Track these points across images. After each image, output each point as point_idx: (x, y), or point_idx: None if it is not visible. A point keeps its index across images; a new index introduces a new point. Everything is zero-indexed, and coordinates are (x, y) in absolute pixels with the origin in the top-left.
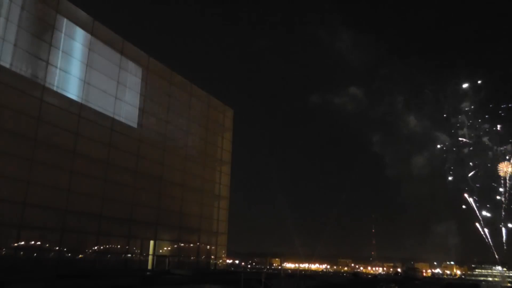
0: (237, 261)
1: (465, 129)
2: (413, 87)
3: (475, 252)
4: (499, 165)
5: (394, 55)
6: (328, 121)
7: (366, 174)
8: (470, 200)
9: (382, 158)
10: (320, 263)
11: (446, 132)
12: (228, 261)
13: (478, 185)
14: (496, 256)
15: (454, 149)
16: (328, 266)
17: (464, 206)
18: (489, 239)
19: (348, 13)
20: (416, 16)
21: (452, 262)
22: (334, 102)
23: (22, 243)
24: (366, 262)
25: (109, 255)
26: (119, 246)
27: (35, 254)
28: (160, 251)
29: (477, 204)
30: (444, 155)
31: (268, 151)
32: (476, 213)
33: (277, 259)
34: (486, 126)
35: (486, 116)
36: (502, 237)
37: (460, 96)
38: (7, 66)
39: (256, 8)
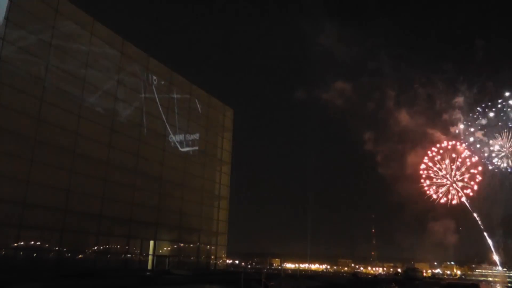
0: (237, 261)
1: (460, 125)
2: (403, 82)
3: (475, 252)
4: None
5: (382, 49)
6: (324, 120)
7: (364, 173)
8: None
9: (375, 156)
10: (320, 263)
11: (440, 129)
12: (228, 261)
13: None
14: (496, 256)
15: (450, 147)
16: (328, 266)
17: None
18: (489, 239)
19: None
20: (404, 8)
21: (452, 262)
22: (328, 100)
23: (22, 243)
24: (366, 262)
25: (109, 255)
26: (119, 246)
27: (35, 254)
28: (160, 251)
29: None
30: (439, 154)
31: (267, 151)
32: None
33: (277, 259)
34: (482, 121)
35: (486, 111)
36: (501, 235)
37: (453, 92)
38: (7, 66)
39: (251, 4)
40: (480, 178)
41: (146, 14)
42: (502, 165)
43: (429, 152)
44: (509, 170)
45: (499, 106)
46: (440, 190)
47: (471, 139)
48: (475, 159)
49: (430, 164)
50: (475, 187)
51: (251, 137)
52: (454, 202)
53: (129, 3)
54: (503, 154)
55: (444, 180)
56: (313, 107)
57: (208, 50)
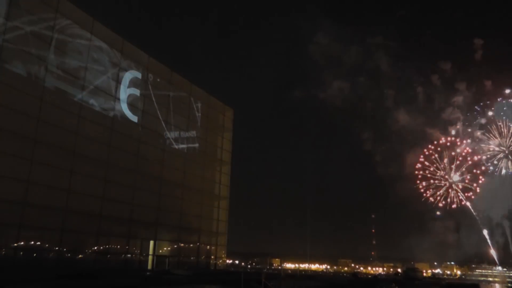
0: (237, 261)
1: (458, 124)
2: (401, 81)
3: (475, 252)
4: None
5: (381, 48)
6: (324, 119)
7: (364, 173)
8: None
9: (373, 156)
10: (320, 263)
11: (439, 128)
12: (228, 261)
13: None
14: (495, 254)
15: (448, 143)
16: (328, 266)
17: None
18: (489, 239)
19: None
20: (403, 7)
21: (452, 262)
22: (327, 99)
23: (22, 243)
24: (366, 262)
25: (109, 255)
26: (119, 246)
27: (35, 254)
28: (160, 251)
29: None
30: (437, 153)
31: (267, 151)
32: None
33: (277, 259)
34: (481, 121)
35: (485, 110)
36: (501, 235)
37: (452, 91)
38: (7, 66)
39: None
40: (482, 179)
41: (146, 14)
42: (501, 166)
43: (425, 150)
44: (509, 172)
45: (499, 105)
46: (438, 192)
47: (469, 140)
48: (476, 158)
49: (427, 163)
50: (478, 190)
51: (251, 137)
52: (453, 206)
53: (129, 3)
54: (502, 155)
55: (442, 182)
56: (312, 107)
57: (208, 50)
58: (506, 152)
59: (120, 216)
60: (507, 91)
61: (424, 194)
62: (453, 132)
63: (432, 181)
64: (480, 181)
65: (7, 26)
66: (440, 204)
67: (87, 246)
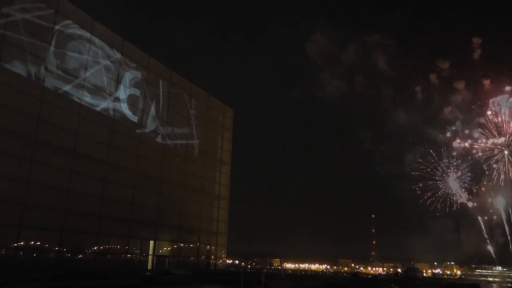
0: (237, 261)
1: (457, 123)
2: (400, 80)
3: (475, 252)
4: None
5: (379, 47)
6: (323, 119)
7: (364, 173)
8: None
9: (373, 156)
10: (320, 263)
11: (437, 128)
12: (228, 261)
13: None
14: (495, 257)
15: (446, 142)
16: (328, 266)
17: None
18: (489, 239)
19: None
20: (401, 6)
21: (452, 262)
22: (326, 99)
23: (22, 243)
24: (366, 262)
25: (109, 255)
26: (119, 246)
27: (35, 254)
28: (160, 251)
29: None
30: (435, 153)
31: (267, 151)
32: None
33: (277, 259)
34: (480, 119)
35: (484, 109)
36: (501, 235)
37: (451, 90)
38: (7, 66)
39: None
40: (481, 178)
41: (146, 14)
42: (501, 165)
43: (422, 149)
44: (509, 174)
45: (497, 103)
46: (437, 194)
47: (467, 140)
48: (476, 157)
49: (425, 163)
50: (477, 190)
51: (251, 137)
52: (453, 209)
53: (129, 3)
54: (501, 154)
55: (442, 182)
56: (311, 106)
57: (208, 50)
58: (506, 151)
59: (120, 216)
60: (507, 88)
61: (422, 197)
62: (451, 131)
63: (430, 182)
64: (479, 181)
65: (6, 25)
66: (439, 207)
67: (87, 246)
